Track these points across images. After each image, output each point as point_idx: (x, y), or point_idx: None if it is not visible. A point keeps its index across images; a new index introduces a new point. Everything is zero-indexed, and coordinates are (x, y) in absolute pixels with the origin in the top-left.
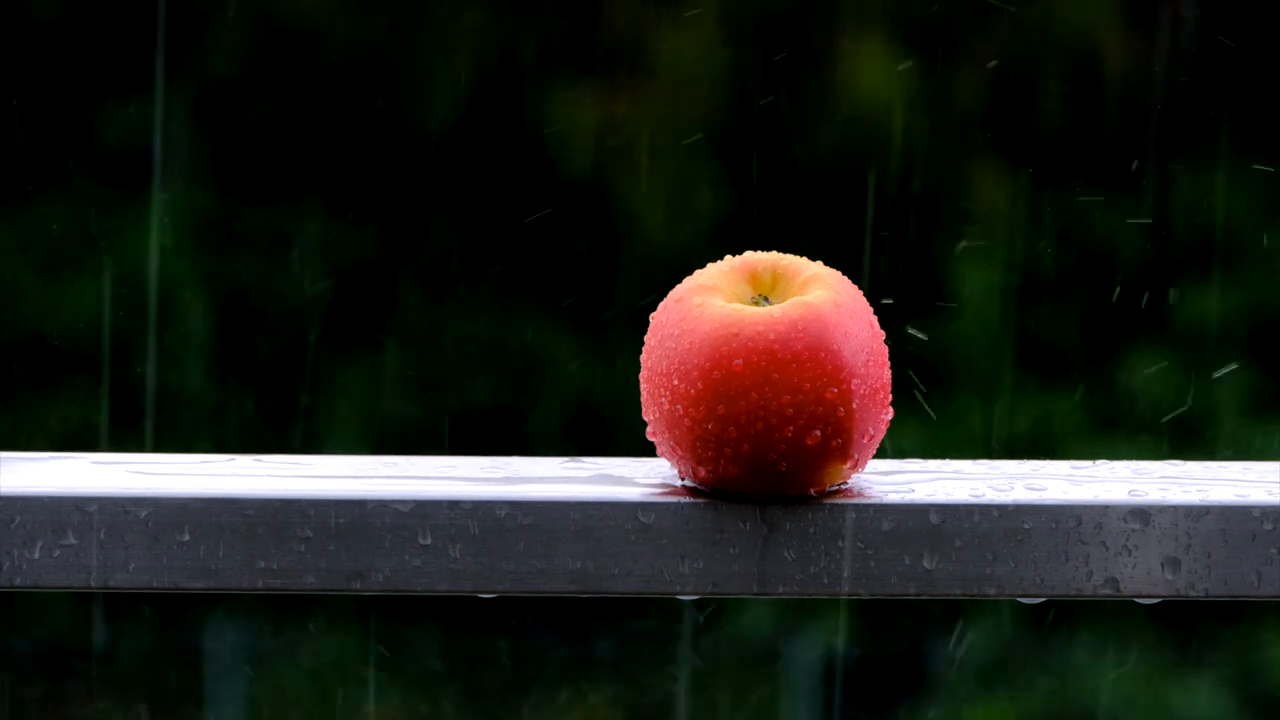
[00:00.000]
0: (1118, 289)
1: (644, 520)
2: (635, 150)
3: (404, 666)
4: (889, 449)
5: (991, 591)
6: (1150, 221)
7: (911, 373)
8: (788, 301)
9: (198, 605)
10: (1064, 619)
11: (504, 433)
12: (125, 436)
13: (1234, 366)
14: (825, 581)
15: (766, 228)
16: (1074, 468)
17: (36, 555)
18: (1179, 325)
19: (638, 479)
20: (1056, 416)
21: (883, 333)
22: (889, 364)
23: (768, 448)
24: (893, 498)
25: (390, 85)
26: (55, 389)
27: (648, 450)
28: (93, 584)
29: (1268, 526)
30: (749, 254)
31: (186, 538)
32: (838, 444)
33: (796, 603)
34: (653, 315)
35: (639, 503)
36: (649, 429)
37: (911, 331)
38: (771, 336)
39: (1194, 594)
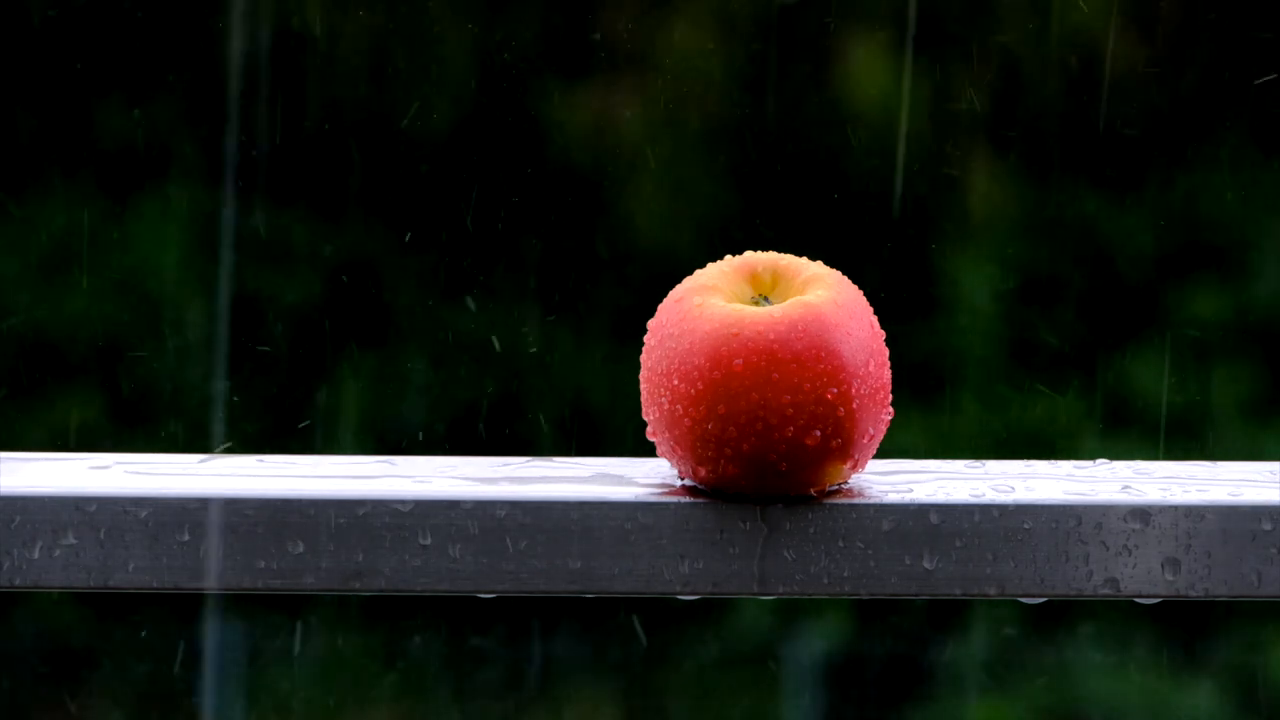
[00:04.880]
0: (1118, 288)
1: (644, 520)
2: (635, 149)
3: (404, 666)
4: (889, 449)
5: (991, 591)
6: (1151, 220)
7: (912, 373)
8: (788, 301)
9: (198, 605)
10: (1064, 619)
11: (503, 433)
12: (125, 436)
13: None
14: (825, 581)
15: (766, 227)
16: (1074, 468)
17: (36, 555)
18: (1180, 324)
19: (638, 479)
20: (1056, 416)
21: (883, 333)
22: (889, 364)
23: (768, 448)
24: (893, 498)
25: (390, 84)
26: (55, 389)
27: (648, 450)
28: (92, 584)
29: (1268, 526)
30: (749, 254)
31: (186, 538)
32: (838, 444)
33: (796, 602)
34: (652, 316)
35: (639, 503)
36: (649, 429)
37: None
38: (771, 336)
39: (1194, 594)
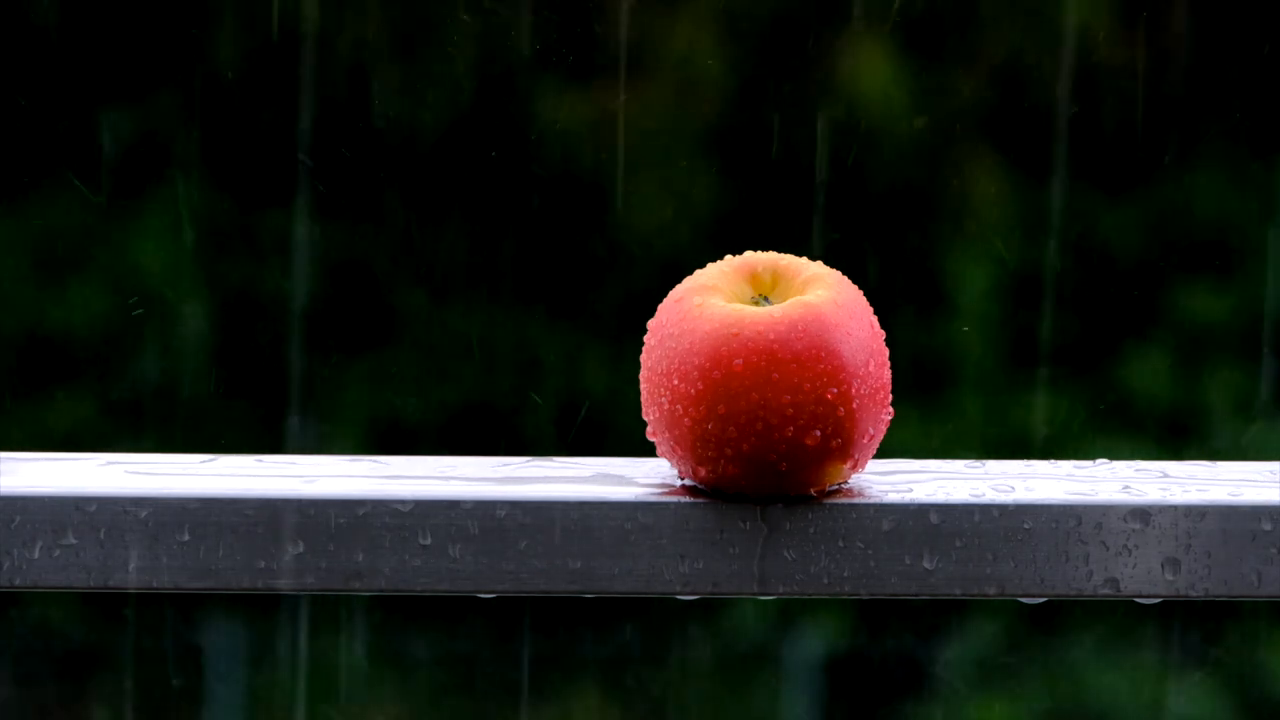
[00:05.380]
0: (1118, 288)
1: (644, 520)
2: (634, 149)
3: (404, 666)
4: (889, 449)
5: (991, 591)
6: (1150, 220)
7: (911, 372)
8: (788, 301)
9: (198, 605)
10: (1064, 619)
11: (503, 433)
12: (125, 436)
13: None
14: (825, 581)
15: (766, 228)
16: (1074, 468)
17: (36, 555)
18: (1179, 324)
19: (638, 479)
20: (1056, 416)
21: (883, 333)
22: (889, 364)
23: (768, 448)
24: (893, 498)
25: (389, 84)
26: (55, 389)
27: (648, 450)
28: (92, 584)
29: (1268, 526)
30: (749, 254)
31: (186, 538)
32: (838, 444)
33: (796, 602)
34: (652, 316)
35: (639, 503)
36: (649, 429)
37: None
38: (771, 336)
39: (1194, 594)
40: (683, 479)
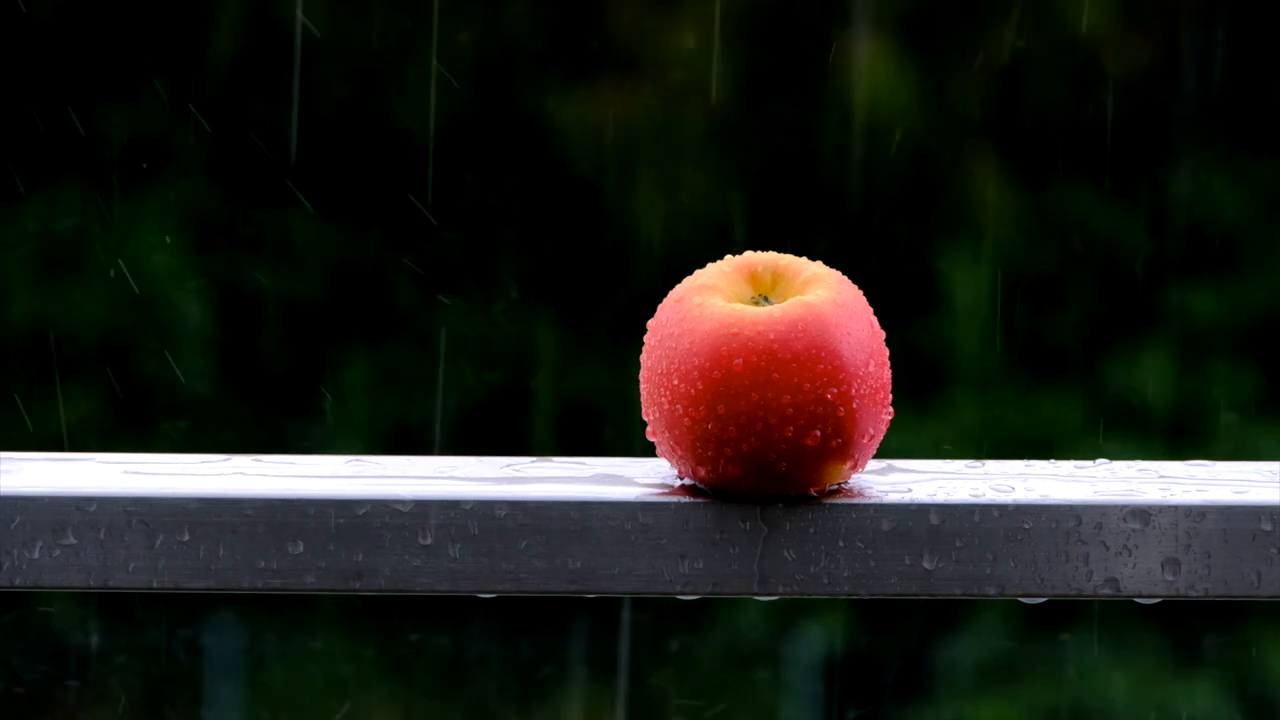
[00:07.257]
0: (1117, 288)
1: (644, 520)
2: (635, 150)
3: (403, 666)
4: (889, 449)
5: (991, 591)
6: (1150, 220)
7: (911, 372)
8: (788, 301)
9: (198, 605)
10: (1064, 619)
11: (503, 433)
12: (125, 436)
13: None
14: (825, 581)
15: (767, 227)
16: (1074, 468)
17: (36, 555)
18: (1179, 324)
19: (638, 479)
20: (1056, 416)
21: (883, 333)
22: (889, 364)
23: (768, 448)
24: (893, 498)
25: (390, 84)
26: (55, 389)
27: (648, 450)
28: (92, 584)
29: (1268, 526)
30: (749, 254)
31: (186, 538)
32: (838, 444)
33: (796, 602)
34: (652, 315)
35: (639, 503)
36: (649, 429)
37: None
38: (771, 336)
39: (1194, 594)
40: (683, 479)
